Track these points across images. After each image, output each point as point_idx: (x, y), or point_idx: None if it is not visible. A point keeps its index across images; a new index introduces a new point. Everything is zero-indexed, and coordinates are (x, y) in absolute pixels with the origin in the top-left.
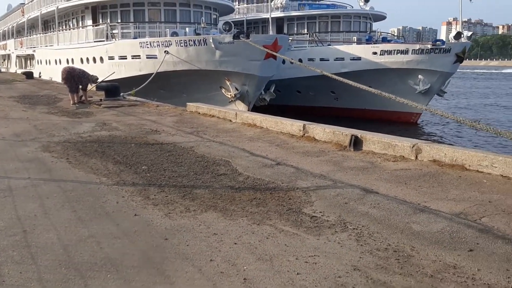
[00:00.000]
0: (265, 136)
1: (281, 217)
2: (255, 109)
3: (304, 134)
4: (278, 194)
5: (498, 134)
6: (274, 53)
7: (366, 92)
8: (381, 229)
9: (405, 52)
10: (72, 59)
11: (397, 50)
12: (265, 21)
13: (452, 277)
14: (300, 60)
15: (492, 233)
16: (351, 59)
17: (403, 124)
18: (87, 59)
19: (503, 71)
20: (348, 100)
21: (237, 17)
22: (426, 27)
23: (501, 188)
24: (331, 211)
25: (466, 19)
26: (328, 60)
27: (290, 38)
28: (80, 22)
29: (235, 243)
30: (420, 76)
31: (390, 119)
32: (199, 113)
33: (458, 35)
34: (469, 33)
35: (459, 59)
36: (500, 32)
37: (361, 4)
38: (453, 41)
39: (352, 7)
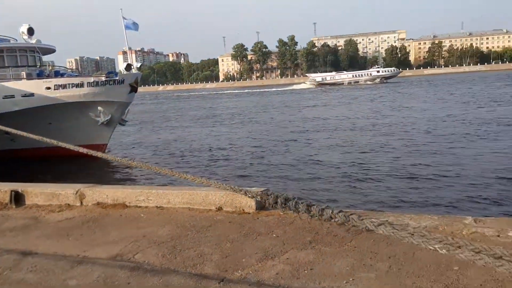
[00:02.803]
0: None
1: None
2: None
3: None
4: None
5: (150, 169)
6: None
7: (47, 128)
8: None
9: (81, 85)
10: None
11: (72, 83)
12: None
13: None
14: None
15: (143, 269)
16: (22, 96)
17: (92, 156)
18: None
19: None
20: (28, 140)
21: None
22: (104, 57)
23: (156, 219)
24: None
25: (139, 49)
26: None
27: None
28: None
29: None
30: (99, 108)
31: (79, 153)
32: None
33: (129, 67)
34: (139, 64)
35: (133, 88)
36: (171, 60)
37: (25, 37)
38: (125, 72)
39: (16, 40)
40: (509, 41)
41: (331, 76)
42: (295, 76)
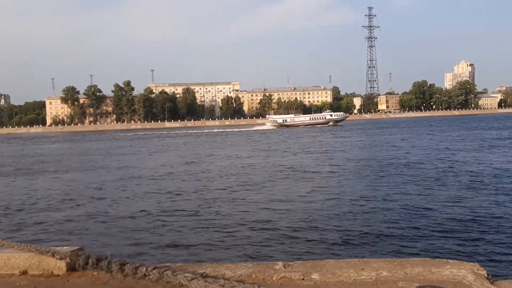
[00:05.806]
0: None
1: None
2: None
3: None
4: None
5: None
6: None
7: None
8: None
9: None
10: None
11: None
12: None
13: None
14: None
15: None
16: None
17: None
18: None
19: None
20: None
21: None
22: None
23: None
24: None
25: None
26: None
27: None
28: None
29: None
30: None
31: None
32: None
33: None
34: None
35: None
36: None
37: None
38: None
39: None
40: (326, 97)
41: (291, 118)
42: (132, 121)
